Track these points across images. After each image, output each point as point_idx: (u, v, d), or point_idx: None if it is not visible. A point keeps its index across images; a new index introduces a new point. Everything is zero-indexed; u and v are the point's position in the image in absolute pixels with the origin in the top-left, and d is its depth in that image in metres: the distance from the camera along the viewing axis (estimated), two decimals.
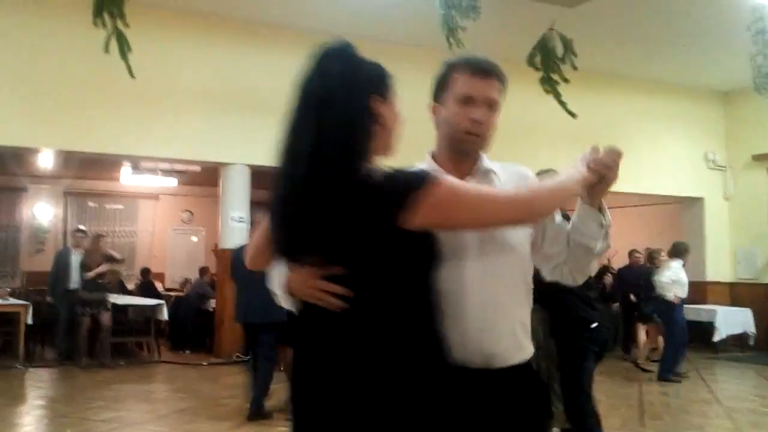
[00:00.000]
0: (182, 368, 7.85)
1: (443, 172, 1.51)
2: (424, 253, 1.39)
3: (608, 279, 9.11)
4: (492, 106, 1.64)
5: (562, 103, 5.86)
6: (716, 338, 9.67)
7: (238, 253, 5.61)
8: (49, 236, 12.03)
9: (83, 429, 5.11)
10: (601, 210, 1.57)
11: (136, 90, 7.19)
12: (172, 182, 11.64)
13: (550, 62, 5.50)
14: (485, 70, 1.64)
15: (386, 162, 1.54)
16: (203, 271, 10.21)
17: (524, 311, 1.65)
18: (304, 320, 1.47)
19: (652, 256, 8.77)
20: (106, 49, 4.68)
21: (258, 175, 8.69)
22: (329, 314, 1.37)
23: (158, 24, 7.82)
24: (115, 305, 8.08)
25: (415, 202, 1.31)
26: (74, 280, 8.06)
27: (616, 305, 9.14)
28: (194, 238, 13.31)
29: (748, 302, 10.29)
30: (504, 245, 1.58)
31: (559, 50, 5.59)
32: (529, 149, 8.02)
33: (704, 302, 10.37)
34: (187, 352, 8.86)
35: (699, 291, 10.66)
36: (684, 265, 7.69)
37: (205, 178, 10.21)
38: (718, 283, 10.83)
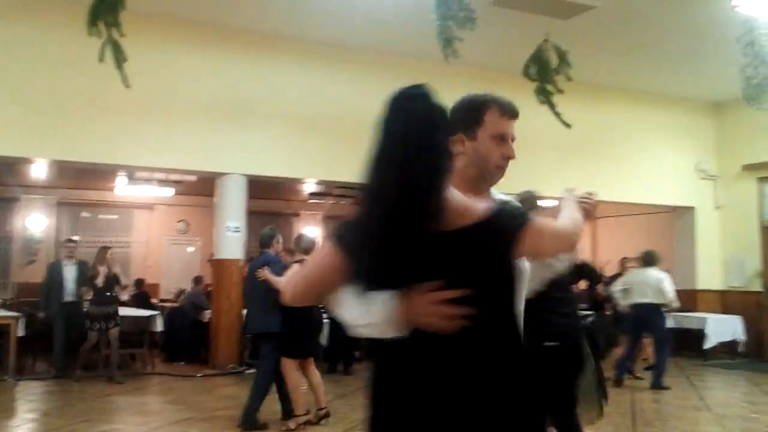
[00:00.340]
0: (176, 380, 7.80)
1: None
2: (514, 276, 1.67)
3: (600, 288, 9.16)
4: (513, 141, 1.86)
5: (557, 114, 5.96)
6: (707, 345, 9.86)
7: (251, 266, 5.75)
8: (41, 247, 11.97)
9: None
10: None
11: (132, 99, 7.19)
12: (168, 192, 11.62)
13: (545, 73, 5.60)
14: (515, 112, 1.84)
15: None
16: (198, 280, 10.17)
17: None
18: (417, 344, 1.55)
19: (623, 265, 8.98)
20: (101, 59, 4.70)
21: (254, 184, 8.72)
22: (448, 336, 1.52)
23: (155, 33, 7.86)
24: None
25: (522, 237, 1.60)
26: (70, 293, 7.95)
27: (609, 313, 9.20)
28: (190, 249, 13.28)
29: (738, 310, 10.44)
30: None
31: (554, 61, 5.69)
32: (525, 159, 8.07)
33: (695, 310, 10.51)
34: (182, 363, 8.81)
35: (690, 299, 10.78)
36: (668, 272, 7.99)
37: (201, 188, 10.22)
38: (709, 291, 10.94)
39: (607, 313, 9.12)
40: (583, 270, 5.35)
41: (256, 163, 8.48)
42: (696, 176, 11.06)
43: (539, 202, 3.97)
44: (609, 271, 9.55)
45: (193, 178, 9.84)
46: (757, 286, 10.66)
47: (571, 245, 1.84)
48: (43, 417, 6.07)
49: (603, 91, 10.01)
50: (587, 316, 6.70)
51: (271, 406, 5.67)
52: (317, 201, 12.68)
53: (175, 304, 10.08)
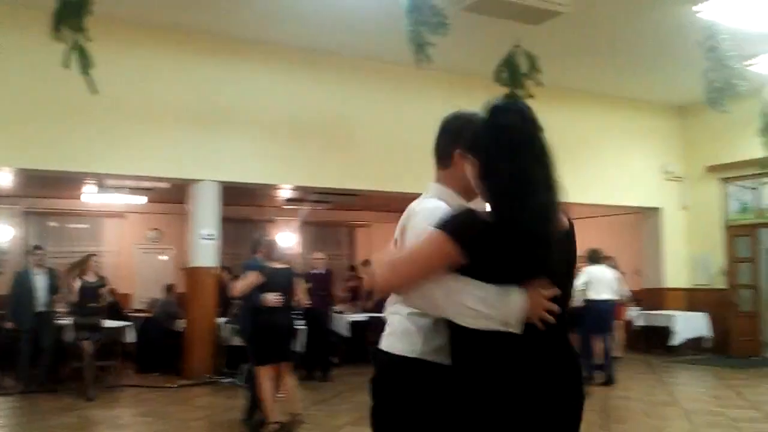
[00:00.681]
0: (150, 391, 7.66)
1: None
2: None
3: None
4: None
5: None
6: (674, 342, 10.21)
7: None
8: (8, 259, 11.68)
9: None
10: None
11: (101, 105, 7.11)
12: (140, 200, 11.46)
13: (515, 78, 5.71)
14: None
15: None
16: (169, 288, 10.04)
17: None
18: (526, 338, 1.64)
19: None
20: (66, 64, 4.62)
21: (228, 191, 8.66)
22: (542, 332, 1.65)
23: (126, 38, 7.77)
24: (68, 327, 7.77)
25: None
26: (41, 303, 7.74)
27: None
28: (163, 257, 13.11)
29: (703, 307, 10.74)
30: None
31: (525, 67, 5.80)
32: None
33: (663, 308, 10.81)
34: (156, 374, 8.66)
35: (658, 297, 11.06)
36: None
37: (173, 195, 10.09)
38: (676, 289, 11.22)
39: None
40: None
41: (230, 170, 8.43)
42: (662, 178, 11.33)
43: None
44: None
45: (165, 185, 9.73)
46: (721, 284, 10.96)
47: None
48: None
49: (572, 96, 10.21)
50: None
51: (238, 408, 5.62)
52: (293, 207, 12.65)
53: (148, 315, 9.93)
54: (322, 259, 8.91)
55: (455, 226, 1.63)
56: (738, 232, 10.92)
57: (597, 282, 7.83)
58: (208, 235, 8.32)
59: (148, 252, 13.07)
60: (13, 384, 7.78)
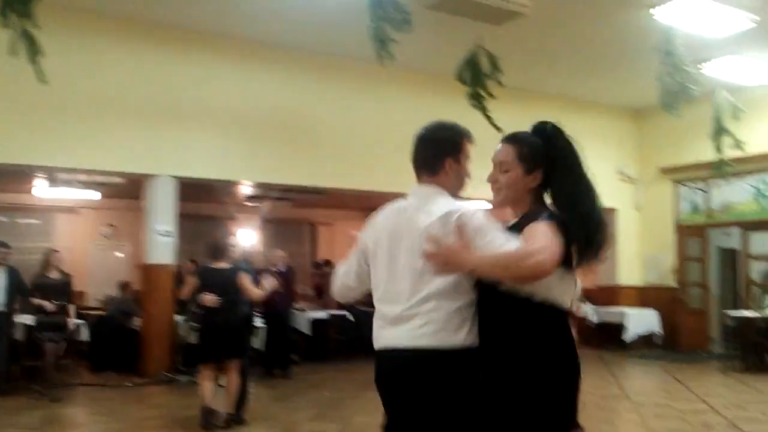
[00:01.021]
0: (105, 390, 7.48)
1: None
2: None
3: None
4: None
5: (489, 118, 6.14)
6: (626, 338, 10.53)
7: None
8: None
9: None
10: None
11: (52, 96, 6.91)
12: (93, 195, 11.17)
13: (477, 78, 5.77)
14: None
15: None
16: (125, 286, 9.83)
17: None
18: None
19: None
20: (13, 52, 4.47)
21: (186, 187, 8.50)
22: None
23: (79, 27, 7.56)
24: (29, 326, 7.55)
25: None
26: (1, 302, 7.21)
27: None
28: (118, 254, 12.80)
29: (655, 304, 11.10)
30: None
31: (486, 67, 5.87)
32: None
33: (616, 305, 11.11)
34: (110, 373, 8.47)
35: (611, 294, 11.36)
36: None
37: (129, 191, 9.87)
38: (629, 287, 11.53)
39: None
40: None
41: (187, 165, 8.28)
42: (617, 179, 11.61)
43: None
44: None
45: (119, 180, 9.49)
46: (671, 282, 11.30)
47: None
48: None
49: (530, 97, 10.34)
50: None
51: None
52: (254, 204, 12.50)
53: (102, 313, 9.69)
54: (283, 256, 8.85)
55: (561, 220, 1.95)
56: (688, 233, 11.28)
57: None
58: (165, 231, 8.16)
59: (103, 248, 12.76)
60: None
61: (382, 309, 2.08)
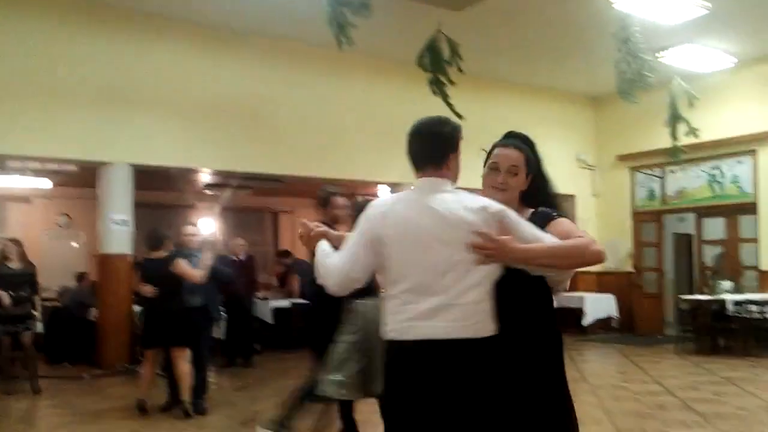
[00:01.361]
0: (61, 382, 7.33)
1: None
2: None
3: None
4: None
5: (449, 104, 6.12)
6: (585, 322, 10.78)
7: None
8: None
9: None
10: None
11: (1, 81, 6.66)
12: (45, 183, 10.82)
13: (438, 64, 5.74)
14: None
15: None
16: (81, 276, 9.60)
17: None
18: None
19: None
20: None
21: (143, 175, 8.31)
22: None
23: (30, 11, 7.29)
24: None
25: None
26: None
27: None
28: (74, 244, 12.46)
29: (612, 289, 11.36)
30: None
31: (447, 53, 5.85)
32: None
33: (575, 290, 11.30)
34: (66, 365, 8.28)
35: (571, 280, 11.51)
36: None
37: (83, 179, 9.59)
38: (587, 272, 11.73)
39: None
40: None
41: (143, 152, 8.08)
42: (576, 166, 11.80)
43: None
44: None
45: (73, 167, 9.21)
46: (628, 267, 11.58)
47: None
48: None
49: (489, 84, 10.42)
50: None
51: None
52: (214, 192, 12.28)
53: (57, 304, 9.44)
54: (243, 245, 8.74)
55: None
56: (644, 218, 11.55)
57: None
58: (121, 220, 7.97)
59: (58, 238, 12.40)
60: None
61: (411, 301, 2.04)
